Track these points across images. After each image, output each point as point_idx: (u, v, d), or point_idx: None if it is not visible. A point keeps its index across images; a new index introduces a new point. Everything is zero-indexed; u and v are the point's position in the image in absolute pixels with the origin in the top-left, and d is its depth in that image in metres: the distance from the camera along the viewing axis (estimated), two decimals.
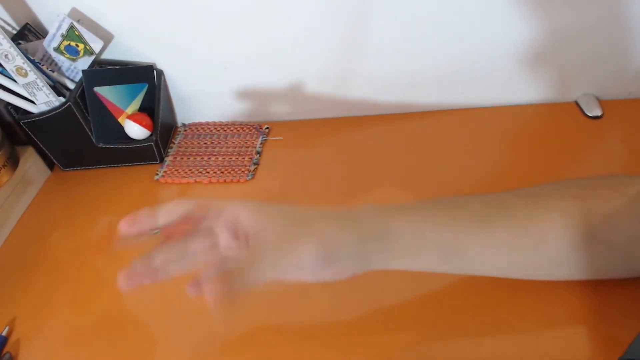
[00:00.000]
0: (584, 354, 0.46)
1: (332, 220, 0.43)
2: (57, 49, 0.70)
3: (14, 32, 0.71)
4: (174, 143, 0.79)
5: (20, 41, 0.70)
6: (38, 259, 0.66)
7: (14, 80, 0.66)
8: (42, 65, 0.70)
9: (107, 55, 0.74)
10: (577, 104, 0.74)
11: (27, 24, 0.72)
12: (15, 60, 0.64)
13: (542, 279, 0.49)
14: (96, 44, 0.70)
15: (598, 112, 0.72)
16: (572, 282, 0.49)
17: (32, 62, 0.67)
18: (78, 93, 0.70)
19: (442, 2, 0.65)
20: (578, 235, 0.43)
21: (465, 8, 0.66)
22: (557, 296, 0.50)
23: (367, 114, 0.79)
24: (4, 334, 0.56)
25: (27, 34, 0.71)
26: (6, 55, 0.63)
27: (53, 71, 0.71)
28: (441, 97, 0.77)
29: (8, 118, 0.71)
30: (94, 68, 0.72)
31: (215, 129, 0.80)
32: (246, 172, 0.72)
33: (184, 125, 0.83)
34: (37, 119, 0.69)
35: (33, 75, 0.66)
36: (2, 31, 0.61)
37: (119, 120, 0.73)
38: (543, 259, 0.45)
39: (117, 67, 0.74)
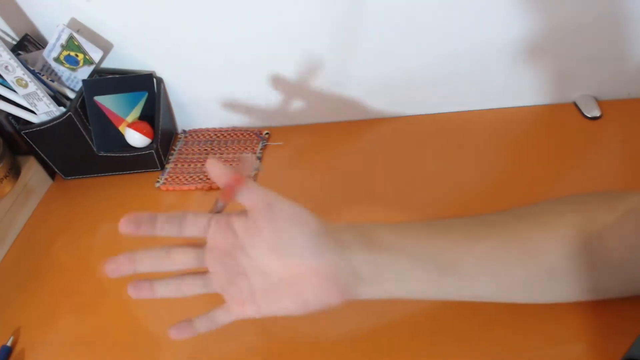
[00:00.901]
0: None
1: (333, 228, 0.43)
2: (56, 59, 0.70)
3: (14, 43, 0.72)
4: (174, 150, 0.79)
5: (20, 52, 0.70)
6: (41, 268, 0.66)
7: (15, 91, 0.67)
8: (42, 75, 0.70)
9: (107, 65, 0.75)
10: (575, 104, 0.74)
11: (27, 34, 0.72)
12: (15, 71, 0.64)
13: (539, 301, 0.47)
14: (96, 54, 0.70)
15: (597, 113, 0.72)
16: (571, 304, 0.48)
17: (32, 72, 0.67)
18: (78, 102, 0.71)
19: (438, 3, 0.66)
20: (573, 249, 0.43)
21: (461, 9, 0.66)
22: (557, 316, 0.49)
23: (366, 117, 0.80)
24: (8, 344, 0.56)
25: (27, 44, 0.72)
26: (6, 67, 0.64)
27: (53, 81, 0.71)
28: (439, 100, 0.77)
29: (9, 128, 0.72)
30: (93, 77, 0.73)
31: (216, 135, 0.81)
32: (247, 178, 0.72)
33: (184, 132, 0.83)
34: (38, 129, 0.70)
35: (33, 86, 0.66)
36: (2, 42, 0.62)
37: (120, 128, 0.73)
38: (539, 272, 0.44)
39: (117, 76, 0.74)
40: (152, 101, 0.74)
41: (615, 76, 0.73)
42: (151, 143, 0.74)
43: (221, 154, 0.77)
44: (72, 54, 0.70)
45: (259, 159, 0.75)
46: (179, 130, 0.84)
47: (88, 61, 0.71)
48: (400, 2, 0.66)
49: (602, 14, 0.66)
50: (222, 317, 0.44)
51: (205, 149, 0.78)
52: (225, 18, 0.69)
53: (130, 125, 0.72)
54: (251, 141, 0.78)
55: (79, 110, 0.71)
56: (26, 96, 0.67)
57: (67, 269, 0.66)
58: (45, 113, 0.69)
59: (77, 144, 0.73)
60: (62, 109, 0.69)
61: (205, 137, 0.81)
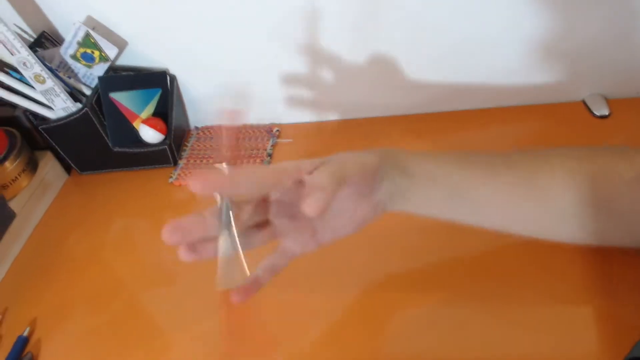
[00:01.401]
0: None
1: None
2: (73, 56, 0.72)
3: (31, 40, 0.73)
4: (187, 146, 0.81)
5: (37, 49, 0.72)
6: (57, 260, 0.68)
7: (33, 87, 0.68)
8: (59, 72, 0.71)
9: (122, 62, 0.76)
10: (584, 103, 0.74)
11: (44, 32, 0.74)
12: (33, 67, 0.66)
13: (546, 237, 0.49)
14: (111, 51, 0.72)
15: (605, 112, 0.72)
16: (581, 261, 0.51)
17: (50, 69, 0.69)
18: (94, 99, 0.72)
19: (449, 2, 0.66)
20: (582, 193, 0.45)
21: (471, 6, 0.66)
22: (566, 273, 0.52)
23: (377, 115, 0.80)
24: (25, 334, 0.58)
25: (44, 41, 0.73)
26: (24, 63, 0.65)
27: (70, 77, 0.72)
28: (448, 98, 0.77)
29: (27, 124, 0.73)
30: (109, 74, 0.74)
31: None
32: None
33: (196, 128, 0.84)
34: (55, 124, 0.71)
35: (51, 82, 0.68)
36: (20, 39, 0.63)
37: (134, 124, 0.75)
38: (547, 211, 0.47)
39: (132, 73, 0.76)
40: (166, 98, 0.76)
41: (624, 75, 0.72)
42: (164, 139, 0.75)
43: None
44: (88, 51, 0.71)
45: (269, 155, 0.76)
46: (192, 126, 0.85)
47: (104, 58, 0.72)
48: (408, 5, 0.66)
49: (612, 14, 0.66)
50: (281, 261, 0.46)
51: (217, 146, 0.79)
52: (238, 16, 0.70)
53: (145, 122, 0.74)
54: (262, 138, 0.79)
55: (95, 106, 0.72)
56: (44, 92, 0.69)
57: (82, 262, 0.67)
58: (62, 109, 0.71)
59: (92, 140, 0.74)
60: (79, 105, 0.71)
61: (216, 134, 0.82)
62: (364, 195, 0.44)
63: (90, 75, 0.74)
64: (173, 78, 0.77)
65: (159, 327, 0.57)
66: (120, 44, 0.74)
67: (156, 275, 0.63)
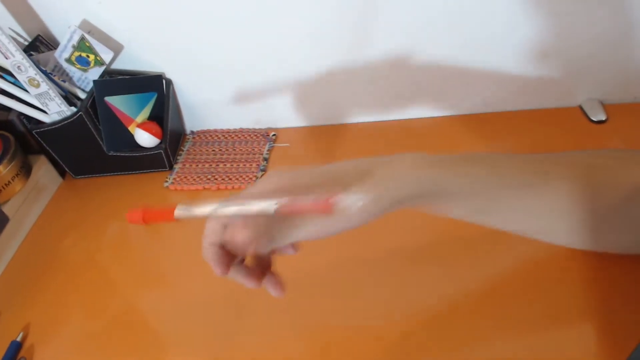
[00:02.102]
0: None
1: (366, 176, 0.41)
2: (68, 60, 0.71)
3: (26, 43, 0.73)
4: (182, 150, 0.80)
5: (32, 52, 0.72)
6: (51, 265, 0.67)
7: (27, 91, 0.68)
8: (54, 75, 0.71)
9: (117, 66, 0.76)
10: (581, 108, 0.75)
11: (39, 35, 0.73)
12: (27, 71, 0.66)
13: (541, 238, 0.49)
14: (106, 55, 0.71)
15: (602, 117, 0.72)
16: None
17: (44, 72, 0.68)
18: (89, 103, 0.72)
19: (447, 5, 0.66)
20: (578, 191, 0.45)
21: (469, 11, 0.67)
22: (563, 292, 0.52)
23: (374, 120, 0.80)
24: (18, 339, 0.57)
25: (39, 45, 0.73)
26: (19, 67, 0.65)
27: (64, 81, 0.72)
28: (444, 103, 0.78)
29: (21, 128, 0.73)
30: (104, 78, 0.74)
31: (223, 136, 0.82)
32: (253, 178, 0.73)
33: (192, 132, 0.84)
34: (49, 128, 0.71)
35: (45, 86, 0.67)
36: (15, 43, 0.63)
37: (129, 128, 0.74)
38: (544, 206, 0.46)
39: (127, 77, 0.75)
40: (162, 102, 0.75)
41: (621, 80, 0.73)
42: (160, 143, 0.74)
43: (229, 154, 0.78)
44: (84, 54, 0.71)
45: (266, 160, 0.76)
46: (188, 131, 0.85)
47: (99, 62, 0.72)
48: (407, 7, 0.66)
49: (608, 19, 0.66)
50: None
51: (213, 150, 0.79)
52: (234, 21, 0.70)
53: (140, 126, 0.73)
54: (258, 142, 0.79)
55: (90, 110, 0.72)
56: (38, 96, 0.68)
57: (76, 266, 0.66)
58: (57, 113, 0.70)
59: (87, 144, 0.74)
60: (73, 109, 0.70)
61: (213, 138, 0.82)
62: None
63: (86, 79, 0.73)
64: (169, 82, 0.76)
65: (154, 331, 0.57)
66: (116, 48, 0.73)
67: (151, 280, 0.63)
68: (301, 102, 0.79)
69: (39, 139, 0.72)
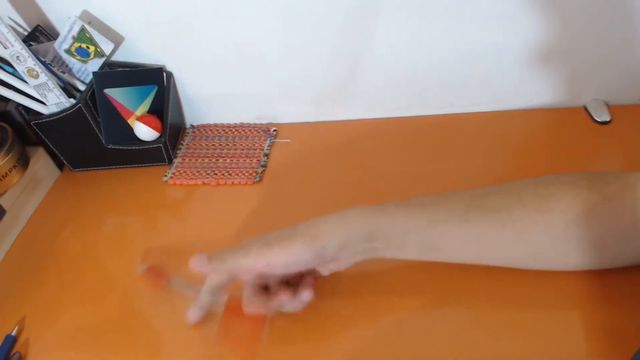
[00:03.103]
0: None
1: (318, 223, 0.48)
2: (67, 51, 0.70)
3: (25, 33, 0.72)
4: (182, 144, 0.80)
5: (31, 43, 0.71)
6: (47, 258, 0.66)
7: (25, 82, 0.67)
8: (53, 66, 0.70)
9: (117, 57, 0.75)
10: (585, 108, 0.74)
11: (39, 25, 0.72)
12: (26, 61, 0.65)
13: (530, 268, 0.51)
14: (107, 46, 0.70)
15: (607, 118, 0.71)
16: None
17: (43, 63, 0.67)
18: (88, 95, 0.71)
19: (451, 5, 0.66)
20: (555, 231, 0.46)
21: (473, 11, 0.66)
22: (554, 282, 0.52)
23: (374, 117, 0.80)
24: (13, 333, 0.57)
25: (38, 35, 0.72)
26: (17, 57, 0.64)
27: (64, 72, 0.71)
28: (449, 101, 0.77)
29: (19, 119, 0.72)
30: (104, 70, 0.73)
31: (224, 130, 0.81)
32: (254, 174, 0.72)
33: (192, 126, 0.83)
34: (47, 120, 0.70)
35: (44, 77, 0.66)
36: (14, 33, 0.62)
37: (129, 121, 0.74)
38: (522, 252, 0.49)
39: (127, 69, 0.75)
40: (162, 95, 0.74)
41: (626, 81, 0.72)
42: (160, 137, 0.74)
43: (229, 149, 0.77)
44: (84, 46, 0.70)
45: (266, 155, 0.75)
46: (188, 125, 0.84)
47: (99, 53, 0.71)
48: (412, 4, 0.66)
49: (614, 19, 0.66)
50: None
51: (213, 145, 0.78)
52: (236, 14, 0.69)
53: (139, 119, 0.73)
54: (259, 137, 0.78)
55: (89, 102, 0.71)
56: (37, 87, 0.67)
57: (73, 260, 0.66)
58: (55, 104, 0.69)
59: (86, 136, 0.73)
60: (72, 101, 0.70)
61: (213, 132, 0.81)
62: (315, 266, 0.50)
63: (85, 71, 0.72)
64: (169, 75, 0.75)
65: (150, 326, 0.56)
66: (117, 40, 0.72)
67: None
68: (303, 98, 0.79)
69: (38, 130, 0.71)
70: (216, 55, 0.74)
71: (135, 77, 0.73)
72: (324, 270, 0.51)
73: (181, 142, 0.80)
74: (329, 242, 0.47)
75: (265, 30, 0.70)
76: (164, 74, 0.74)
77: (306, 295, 0.49)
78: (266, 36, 0.71)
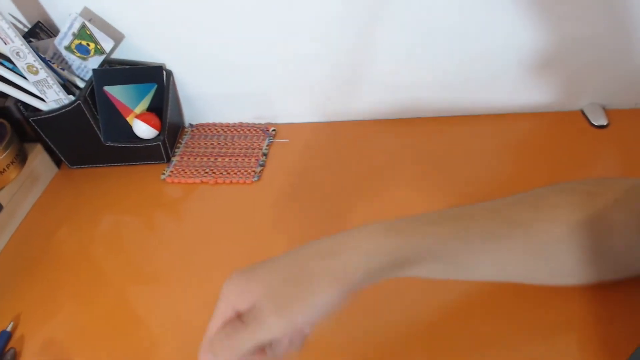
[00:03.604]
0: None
1: (337, 253, 0.40)
2: (68, 48, 0.70)
3: (26, 30, 0.72)
4: (180, 143, 0.80)
5: (31, 39, 0.71)
6: (44, 255, 0.66)
7: (25, 78, 0.67)
8: (53, 63, 0.70)
9: (118, 55, 0.75)
10: (582, 112, 0.74)
11: (39, 22, 0.72)
12: (26, 57, 0.65)
13: (543, 284, 0.50)
14: (107, 44, 0.70)
15: (604, 122, 0.72)
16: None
17: (43, 60, 0.67)
18: (88, 92, 0.71)
19: (450, 9, 0.66)
20: (579, 243, 0.45)
21: (472, 15, 0.66)
22: (555, 304, 0.51)
23: (374, 118, 0.80)
24: (8, 329, 0.56)
25: (39, 32, 0.72)
26: (17, 53, 0.64)
27: (63, 69, 0.71)
28: (447, 104, 0.77)
29: (17, 115, 0.72)
30: (104, 67, 0.73)
31: (222, 130, 0.81)
32: (252, 173, 0.72)
33: (191, 125, 0.83)
34: (46, 116, 0.70)
35: (44, 73, 0.66)
36: (14, 29, 0.62)
37: (127, 119, 0.74)
38: (547, 264, 0.47)
39: (127, 66, 0.75)
40: (161, 93, 0.74)
41: (623, 86, 0.73)
42: (158, 135, 0.74)
43: (227, 149, 0.77)
44: (84, 43, 0.70)
45: (265, 155, 0.75)
46: (187, 123, 0.84)
47: (99, 51, 0.71)
48: (413, 9, 0.66)
49: (611, 24, 0.66)
50: None
51: (212, 144, 0.78)
52: (237, 14, 0.69)
53: (139, 117, 0.72)
54: (257, 137, 0.78)
55: (88, 99, 0.71)
56: (36, 83, 0.67)
57: (69, 257, 0.66)
58: (55, 101, 0.69)
59: (84, 133, 0.73)
60: (71, 98, 0.70)
61: (212, 131, 0.81)
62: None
63: (85, 68, 0.72)
64: (169, 73, 0.76)
65: (145, 325, 0.56)
66: (117, 37, 0.72)
67: (145, 273, 0.62)
68: (302, 98, 0.79)
69: (36, 127, 0.71)
70: (217, 54, 0.74)
71: (134, 75, 0.73)
72: None
73: (180, 140, 0.80)
74: (357, 275, 0.39)
75: (266, 31, 0.71)
76: (164, 73, 0.74)
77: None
78: (266, 37, 0.71)
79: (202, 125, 0.83)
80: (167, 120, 0.74)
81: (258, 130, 0.80)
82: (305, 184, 0.71)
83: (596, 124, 0.72)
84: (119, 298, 0.60)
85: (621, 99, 0.74)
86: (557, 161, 0.68)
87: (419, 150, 0.74)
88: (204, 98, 0.80)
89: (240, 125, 0.82)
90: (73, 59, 0.72)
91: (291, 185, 0.71)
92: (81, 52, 0.71)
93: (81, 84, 0.72)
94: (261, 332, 0.37)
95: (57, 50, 0.70)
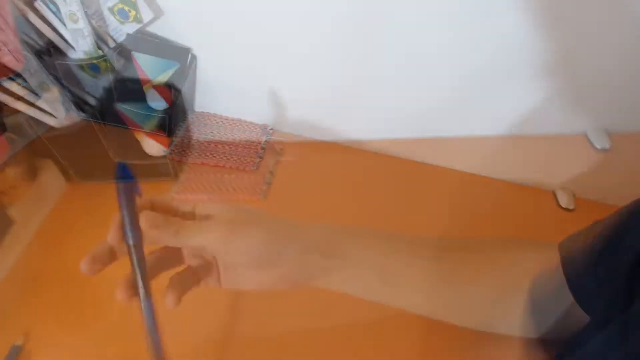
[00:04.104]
0: None
1: (282, 225, 0.45)
2: (110, 9, 0.75)
3: None
4: (181, 126, 0.84)
5: None
6: (54, 269, 0.68)
7: (64, 24, 0.71)
8: (92, 18, 0.75)
9: (151, 29, 0.80)
10: (586, 136, 0.75)
11: None
12: (71, 5, 0.69)
13: (469, 325, 0.51)
14: (146, 14, 0.76)
15: (606, 145, 0.73)
16: None
17: (85, 13, 0.72)
18: (116, 52, 0.75)
19: (450, 31, 0.69)
20: (502, 285, 0.49)
21: (474, 35, 0.69)
22: None
23: (370, 139, 0.86)
24: (19, 343, 0.58)
25: None
26: None
27: (100, 27, 0.76)
28: (451, 125, 0.82)
29: (29, 131, 0.74)
30: (137, 35, 0.78)
31: (222, 121, 0.87)
32: (251, 162, 0.78)
33: (193, 111, 0.88)
34: (57, 133, 0.73)
35: (82, 23, 0.71)
36: None
37: (144, 87, 0.78)
38: (468, 298, 0.49)
39: (158, 40, 0.80)
40: (181, 73, 0.80)
41: (627, 109, 0.74)
42: (168, 108, 0.78)
43: (227, 138, 0.82)
44: (126, 8, 0.75)
45: (263, 148, 0.81)
46: (196, 108, 0.89)
47: (137, 19, 0.76)
48: (411, 33, 0.71)
49: (618, 47, 0.67)
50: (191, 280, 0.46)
51: (212, 132, 0.84)
52: (275, 18, 0.75)
53: (155, 87, 0.78)
54: (256, 133, 0.85)
55: (114, 58, 0.75)
56: (73, 31, 0.72)
57: (78, 273, 0.63)
58: (84, 51, 0.74)
59: (94, 149, 0.77)
60: (100, 52, 0.74)
61: (211, 121, 0.87)
62: (261, 267, 0.44)
63: (120, 31, 0.77)
64: (194, 58, 0.81)
65: None
66: (157, 12, 0.78)
67: (153, 285, 0.62)
68: (300, 112, 0.85)
69: (47, 142, 0.74)
70: (241, 53, 0.80)
71: (163, 49, 0.79)
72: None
73: (181, 124, 0.85)
74: (292, 239, 0.44)
75: (297, 47, 0.76)
76: (189, 55, 0.80)
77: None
78: (298, 52, 0.77)
79: (202, 114, 0.88)
80: (180, 98, 0.79)
81: (256, 127, 0.86)
82: (305, 181, 0.76)
83: (599, 147, 0.73)
84: (129, 311, 0.59)
85: (625, 123, 0.75)
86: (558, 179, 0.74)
87: (416, 169, 0.81)
88: (216, 89, 0.86)
89: (239, 120, 0.87)
90: (111, 20, 0.77)
91: (286, 174, 0.77)
92: (120, 16, 0.76)
93: (112, 44, 0.77)
94: (203, 234, 0.41)
95: (100, 8, 0.75)
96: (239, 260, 0.43)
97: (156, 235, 0.40)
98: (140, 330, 0.56)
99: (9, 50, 0.65)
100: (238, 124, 0.86)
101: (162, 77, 0.79)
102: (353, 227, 0.49)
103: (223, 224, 0.42)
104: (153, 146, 0.77)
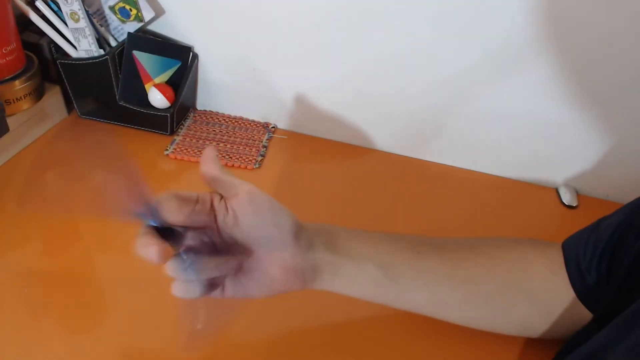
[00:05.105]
0: None
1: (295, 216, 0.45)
2: (111, 8, 0.76)
3: None
4: (183, 125, 0.84)
5: None
6: (27, 190, 0.68)
7: (65, 23, 0.72)
8: (94, 17, 0.75)
9: (153, 27, 0.80)
10: (557, 191, 0.80)
11: None
12: (72, 4, 0.70)
13: (474, 326, 0.52)
14: (148, 13, 0.76)
15: (574, 203, 0.77)
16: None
17: (87, 12, 0.72)
18: (117, 51, 0.75)
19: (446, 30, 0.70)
20: (503, 282, 0.49)
21: (473, 35, 0.69)
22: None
23: (368, 147, 0.85)
24: None
25: None
26: None
27: (102, 26, 0.76)
28: (441, 149, 0.82)
29: (47, 54, 0.76)
30: (138, 33, 0.78)
31: (224, 120, 0.86)
32: (252, 161, 0.77)
33: (194, 110, 0.88)
34: (73, 62, 0.75)
35: (83, 23, 0.71)
36: None
37: (146, 86, 0.78)
38: (470, 296, 0.49)
39: (159, 39, 0.79)
40: (182, 72, 0.79)
41: (599, 176, 0.78)
42: (170, 107, 0.78)
43: (229, 137, 0.82)
44: (127, 7, 0.75)
45: (265, 147, 0.80)
46: (197, 106, 0.89)
47: (138, 18, 0.76)
48: (410, 32, 0.71)
49: (601, 116, 0.71)
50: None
51: (214, 130, 0.83)
52: (275, 23, 0.75)
53: (156, 86, 0.77)
54: (258, 131, 0.83)
55: (116, 57, 0.75)
56: (74, 30, 0.72)
57: (50, 201, 0.67)
58: (85, 51, 0.74)
59: (102, 88, 0.77)
60: (101, 52, 0.74)
61: (213, 119, 0.86)
62: (282, 261, 0.43)
63: (121, 30, 0.77)
64: (195, 56, 0.81)
65: (104, 282, 0.58)
66: (158, 10, 0.78)
67: (122, 238, 0.62)
68: (303, 110, 0.84)
69: (61, 69, 0.76)
70: (245, 50, 0.79)
71: (164, 48, 0.78)
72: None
73: (182, 122, 0.84)
74: (302, 224, 0.45)
75: (300, 35, 0.75)
76: (191, 54, 0.79)
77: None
78: (298, 44, 0.76)
79: (204, 112, 0.87)
80: (181, 96, 0.79)
81: (258, 125, 0.85)
82: (303, 178, 0.75)
83: (566, 203, 0.77)
84: (86, 254, 0.61)
85: (593, 188, 0.79)
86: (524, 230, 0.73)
87: (400, 186, 0.79)
88: (216, 88, 0.85)
89: (241, 118, 0.86)
90: (113, 19, 0.77)
91: (286, 174, 0.76)
92: (122, 15, 0.76)
93: (113, 43, 0.77)
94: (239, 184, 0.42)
95: (101, 7, 0.76)
96: (258, 220, 0.41)
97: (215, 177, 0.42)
98: (140, 331, 0.56)
99: None
100: (240, 122, 0.85)
101: (164, 76, 0.79)
102: (356, 228, 0.49)
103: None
104: (159, 99, 0.77)
